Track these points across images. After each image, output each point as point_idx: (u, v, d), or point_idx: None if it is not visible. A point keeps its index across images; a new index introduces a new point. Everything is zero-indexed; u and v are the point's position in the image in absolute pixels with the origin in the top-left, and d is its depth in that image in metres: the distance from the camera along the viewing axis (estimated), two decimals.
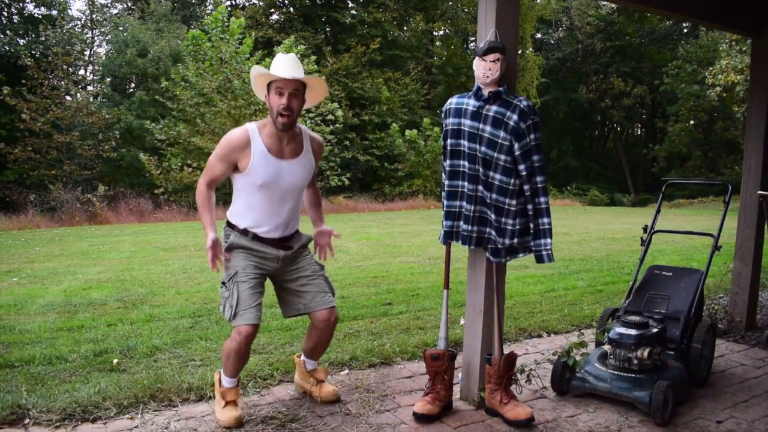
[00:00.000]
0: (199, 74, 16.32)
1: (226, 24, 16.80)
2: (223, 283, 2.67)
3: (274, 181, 2.62)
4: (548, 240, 2.76)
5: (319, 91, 2.76)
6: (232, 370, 2.70)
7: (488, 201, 2.74)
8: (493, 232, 2.75)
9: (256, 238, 2.68)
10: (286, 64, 2.57)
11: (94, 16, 28.66)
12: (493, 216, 2.74)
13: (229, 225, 2.73)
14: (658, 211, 3.87)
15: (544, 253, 2.76)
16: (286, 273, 2.79)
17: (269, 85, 2.62)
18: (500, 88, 2.72)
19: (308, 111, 17.85)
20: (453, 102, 2.85)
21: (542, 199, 2.75)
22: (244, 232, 2.68)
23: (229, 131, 2.66)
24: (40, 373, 3.22)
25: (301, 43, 18.52)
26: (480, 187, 2.75)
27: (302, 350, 3.01)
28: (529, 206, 2.75)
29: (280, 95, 2.56)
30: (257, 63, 16.70)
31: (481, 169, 2.73)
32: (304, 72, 2.63)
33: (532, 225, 2.77)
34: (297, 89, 2.60)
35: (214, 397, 2.84)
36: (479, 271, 2.88)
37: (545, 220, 2.76)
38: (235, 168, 2.65)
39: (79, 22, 26.97)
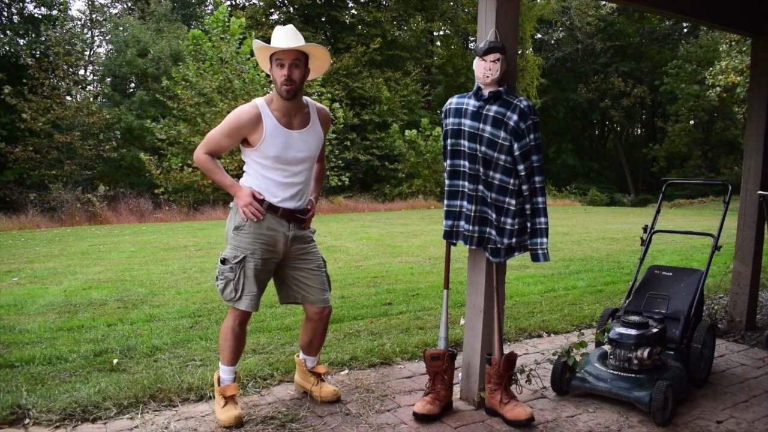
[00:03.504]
0: (199, 74, 16.33)
1: (227, 24, 16.81)
2: (225, 259, 2.64)
3: (286, 152, 2.63)
4: (544, 239, 2.78)
5: (322, 59, 2.74)
6: (229, 354, 2.72)
7: (489, 200, 2.74)
8: (494, 232, 2.76)
9: (271, 209, 2.65)
10: (284, 36, 2.58)
11: (94, 16, 28.70)
12: (493, 215, 2.74)
13: None
14: (658, 211, 3.87)
15: (540, 252, 2.79)
16: (291, 260, 2.76)
17: (271, 58, 2.62)
18: (500, 88, 2.73)
19: None
20: (453, 102, 2.85)
21: (540, 199, 2.77)
22: (260, 202, 2.64)
23: (237, 108, 2.65)
24: (40, 373, 3.22)
25: None
26: (481, 187, 2.75)
27: (300, 347, 3.01)
28: (527, 205, 2.77)
29: (281, 66, 2.58)
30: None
31: (481, 169, 2.73)
32: (305, 42, 2.62)
33: (529, 224, 2.80)
34: (297, 59, 2.59)
35: (214, 397, 2.85)
36: (479, 271, 2.88)
37: (542, 219, 2.79)
38: (245, 142, 2.65)
39: (79, 22, 27.00)
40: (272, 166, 2.64)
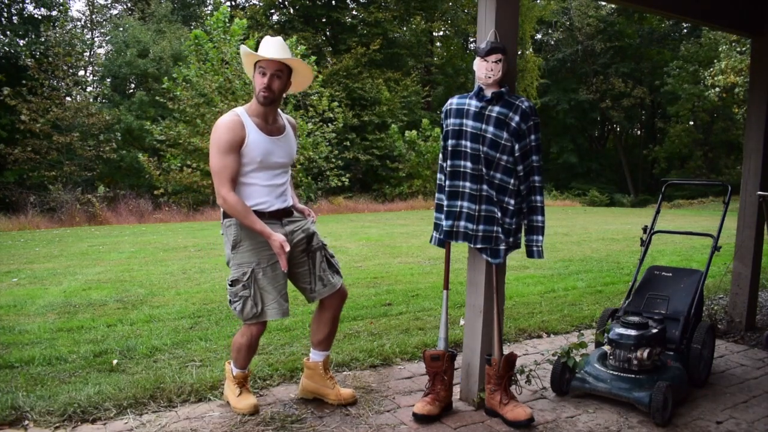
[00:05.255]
0: (200, 74, 16.34)
1: (228, 24, 16.83)
2: (234, 280, 2.65)
3: (269, 158, 2.67)
4: (540, 237, 2.82)
5: (305, 76, 2.81)
6: (243, 362, 2.80)
7: (494, 200, 2.75)
8: (500, 230, 2.77)
9: (257, 214, 2.66)
10: (271, 46, 2.64)
11: (94, 16, 28.72)
12: (499, 214, 2.75)
13: (227, 214, 2.69)
14: (657, 212, 3.87)
15: (534, 248, 2.83)
16: (297, 256, 2.78)
17: (255, 65, 2.68)
18: (502, 89, 2.73)
19: (308, 111, 17.90)
20: (454, 102, 2.85)
21: (538, 198, 2.81)
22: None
23: (217, 123, 2.64)
24: (40, 373, 3.22)
25: (301, 43, 18.55)
26: (485, 187, 2.75)
27: (313, 345, 2.95)
28: (524, 204, 2.80)
29: (263, 75, 2.63)
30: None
31: (483, 169, 2.73)
32: (292, 56, 2.69)
33: (525, 222, 2.84)
34: (280, 70, 2.65)
35: (222, 394, 2.92)
36: (479, 272, 2.88)
37: (539, 218, 2.82)
38: None
39: (79, 23, 27.01)
40: (255, 171, 2.67)
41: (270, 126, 2.72)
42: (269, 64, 2.62)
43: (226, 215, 2.70)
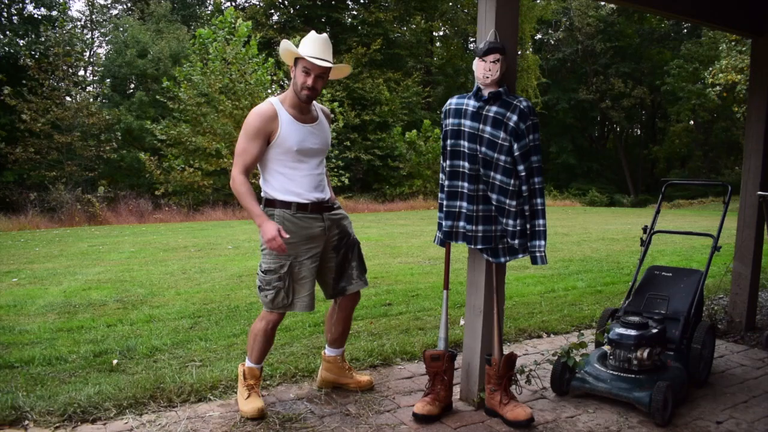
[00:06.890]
0: (204, 73, 16.37)
1: (234, 26, 16.88)
2: (269, 270, 2.67)
3: (304, 144, 2.70)
4: (542, 242, 2.77)
5: (342, 71, 2.91)
6: (258, 354, 2.81)
7: (493, 201, 2.74)
8: (499, 231, 2.76)
9: (299, 208, 2.69)
10: (318, 48, 2.66)
11: (94, 16, 28.72)
12: (498, 215, 2.74)
13: (269, 203, 2.71)
14: (657, 212, 3.87)
15: (537, 255, 2.78)
16: (328, 251, 2.83)
17: (297, 60, 2.69)
18: (500, 89, 2.73)
19: None
20: (453, 102, 2.85)
21: (539, 201, 2.77)
22: (287, 205, 2.68)
23: (252, 111, 2.69)
24: (40, 373, 3.22)
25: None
26: (482, 186, 2.75)
27: (329, 342, 3.04)
28: (526, 207, 2.77)
29: (307, 75, 2.67)
30: (263, 63, 16.82)
31: (481, 170, 2.73)
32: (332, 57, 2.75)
33: (528, 226, 2.80)
34: (325, 72, 2.71)
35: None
36: (479, 272, 2.88)
37: (541, 221, 2.78)
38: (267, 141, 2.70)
39: (79, 23, 27.01)
40: (293, 160, 2.69)
41: (304, 116, 2.75)
42: (314, 66, 2.65)
43: (267, 204, 2.72)
